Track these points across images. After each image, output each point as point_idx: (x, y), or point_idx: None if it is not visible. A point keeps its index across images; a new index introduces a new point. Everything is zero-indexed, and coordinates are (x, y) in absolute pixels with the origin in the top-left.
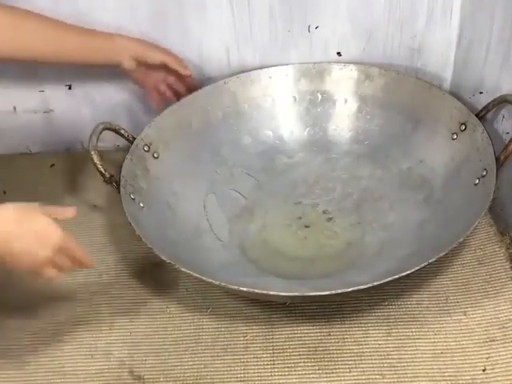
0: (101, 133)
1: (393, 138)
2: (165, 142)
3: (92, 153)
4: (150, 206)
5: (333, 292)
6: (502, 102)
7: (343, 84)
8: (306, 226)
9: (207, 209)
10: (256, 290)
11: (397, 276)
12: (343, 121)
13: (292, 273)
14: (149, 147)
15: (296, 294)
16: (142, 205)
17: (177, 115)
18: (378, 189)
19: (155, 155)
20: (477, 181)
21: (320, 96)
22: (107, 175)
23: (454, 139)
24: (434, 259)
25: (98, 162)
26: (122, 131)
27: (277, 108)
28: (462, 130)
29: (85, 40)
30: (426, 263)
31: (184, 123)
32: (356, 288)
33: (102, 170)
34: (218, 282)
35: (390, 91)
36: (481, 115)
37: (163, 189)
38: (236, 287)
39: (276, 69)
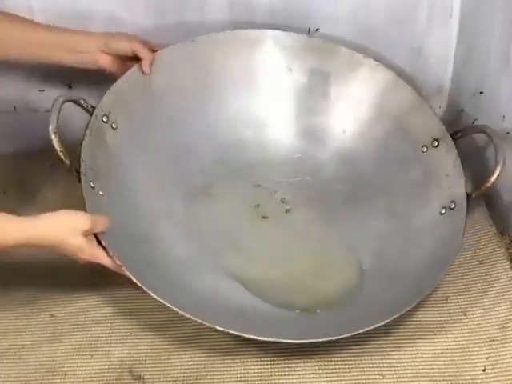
0: (62, 105)
1: (367, 139)
2: (124, 110)
3: (52, 137)
4: (109, 194)
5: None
6: (479, 131)
7: (330, 62)
8: (264, 217)
9: (166, 187)
10: (229, 331)
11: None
12: (321, 105)
13: (253, 277)
14: (108, 117)
15: (270, 339)
16: (101, 193)
17: (138, 78)
18: (341, 186)
19: (114, 126)
20: (443, 210)
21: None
22: (67, 162)
23: (423, 152)
24: (377, 325)
25: (58, 148)
26: (82, 101)
27: (251, 76)
28: (435, 146)
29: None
30: (376, 325)
31: (145, 86)
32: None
33: (62, 156)
34: (179, 311)
35: (377, 91)
36: (456, 137)
37: (121, 167)
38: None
39: (257, 33)
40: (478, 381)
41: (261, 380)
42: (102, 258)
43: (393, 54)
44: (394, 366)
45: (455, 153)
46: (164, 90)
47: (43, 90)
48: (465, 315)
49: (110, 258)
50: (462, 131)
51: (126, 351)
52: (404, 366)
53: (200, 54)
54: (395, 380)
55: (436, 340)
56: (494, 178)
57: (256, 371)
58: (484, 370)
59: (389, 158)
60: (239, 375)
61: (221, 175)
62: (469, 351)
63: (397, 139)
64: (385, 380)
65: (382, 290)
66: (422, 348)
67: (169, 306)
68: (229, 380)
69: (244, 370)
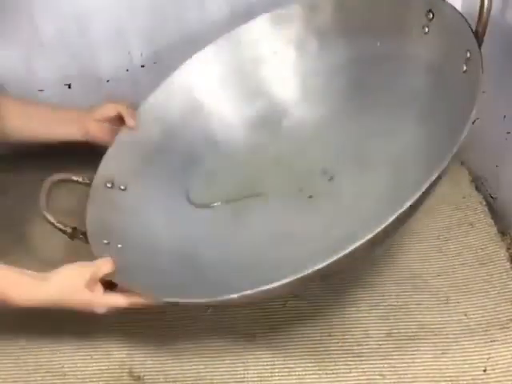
0: (50, 188)
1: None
2: (129, 171)
3: (44, 213)
4: (127, 245)
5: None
6: None
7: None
8: (310, 197)
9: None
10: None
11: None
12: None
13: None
14: (112, 183)
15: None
16: (119, 246)
17: (132, 135)
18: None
19: (122, 187)
20: (464, 67)
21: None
22: (69, 230)
23: (426, 33)
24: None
25: (54, 222)
26: (74, 177)
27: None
28: (431, 19)
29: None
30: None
31: (143, 142)
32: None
33: (62, 227)
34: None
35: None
36: None
37: (138, 222)
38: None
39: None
40: (479, 381)
41: (261, 380)
42: (116, 301)
43: None
44: (394, 367)
45: (450, 7)
46: (161, 136)
47: (43, 90)
48: (465, 316)
49: (124, 295)
50: None
51: (126, 351)
52: (404, 367)
53: (185, 87)
54: (395, 380)
55: (437, 340)
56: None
57: (256, 371)
58: (485, 371)
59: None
60: (239, 376)
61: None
62: (469, 352)
63: (395, 44)
64: (385, 381)
65: None
66: (422, 348)
67: None
68: (228, 380)
69: (244, 370)
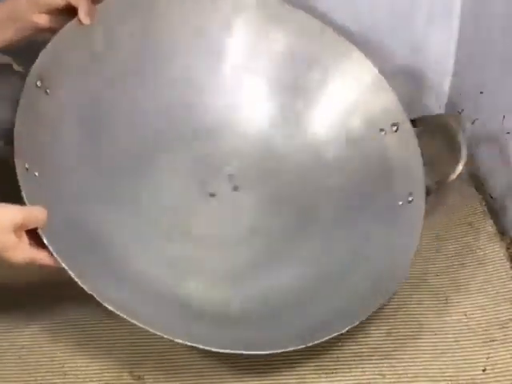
0: None
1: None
2: (59, 72)
3: None
4: (43, 174)
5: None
6: (440, 125)
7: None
8: (211, 195)
9: (103, 161)
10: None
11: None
12: None
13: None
14: (42, 81)
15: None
16: (36, 174)
17: (77, 34)
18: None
19: (48, 91)
20: (400, 202)
21: None
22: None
23: (384, 135)
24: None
25: None
26: (15, 66)
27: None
28: (394, 131)
29: None
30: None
31: (85, 45)
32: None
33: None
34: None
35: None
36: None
37: (56, 140)
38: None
39: None
40: (478, 381)
41: (261, 380)
42: (41, 259)
43: (393, 53)
44: (394, 366)
45: (415, 141)
46: (105, 46)
47: None
48: (465, 315)
49: (53, 257)
50: (422, 120)
51: (126, 351)
52: (404, 366)
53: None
54: (395, 380)
55: (436, 340)
56: (453, 175)
57: (256, 370)
58: (484, 370)
59: (347, 142)
60: (239, 375)
61: (167, 145)
62: (469, 351)
63: (354, 122)
64: (385, 380)
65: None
66: (422, 348)
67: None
68: (229, 380)
69: (244, 370)
